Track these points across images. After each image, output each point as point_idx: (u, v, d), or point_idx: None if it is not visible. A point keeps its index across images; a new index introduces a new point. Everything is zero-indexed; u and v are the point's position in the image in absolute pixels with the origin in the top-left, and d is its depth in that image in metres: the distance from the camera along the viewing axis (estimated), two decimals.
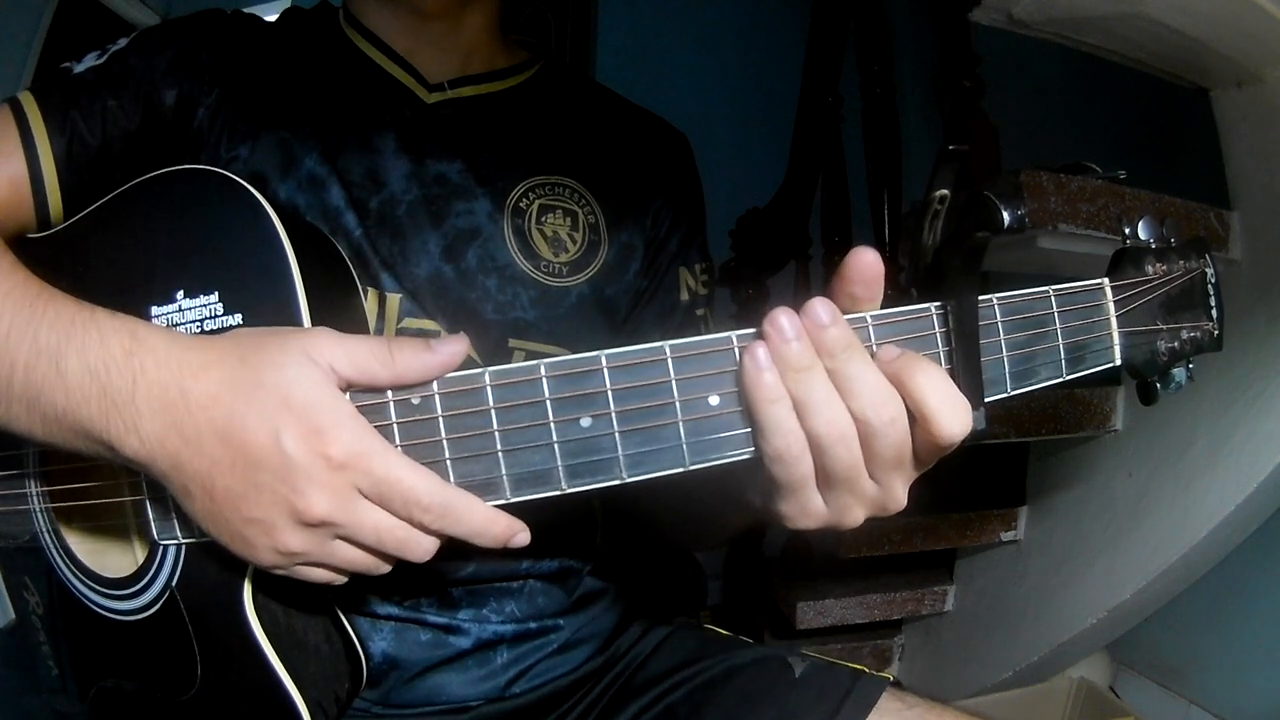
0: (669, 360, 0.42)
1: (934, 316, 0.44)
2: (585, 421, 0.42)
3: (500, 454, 0.42)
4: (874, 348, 0.43)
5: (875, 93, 1.72)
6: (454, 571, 0.65)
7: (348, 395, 0.43)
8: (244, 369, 0.42)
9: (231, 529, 0.43)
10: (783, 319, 0.39)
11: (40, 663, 0.61)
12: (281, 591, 0.50)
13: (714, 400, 0.42)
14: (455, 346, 0.43)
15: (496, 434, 0.42)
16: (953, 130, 1.43)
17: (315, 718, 0.50)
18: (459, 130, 0.68)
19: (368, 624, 0.63)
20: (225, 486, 0.41)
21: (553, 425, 0.42)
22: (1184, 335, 0.50)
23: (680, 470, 0.42)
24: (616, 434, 0.42)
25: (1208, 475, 1.15)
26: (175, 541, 0.50)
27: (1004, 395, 0.46)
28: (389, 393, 0.43)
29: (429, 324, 0.63)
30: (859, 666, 0.62)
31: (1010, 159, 1.46)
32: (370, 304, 0.61)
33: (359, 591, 0.62)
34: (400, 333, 0.62)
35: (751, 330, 0.42)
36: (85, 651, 0.58)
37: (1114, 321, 0.48)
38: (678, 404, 0.42)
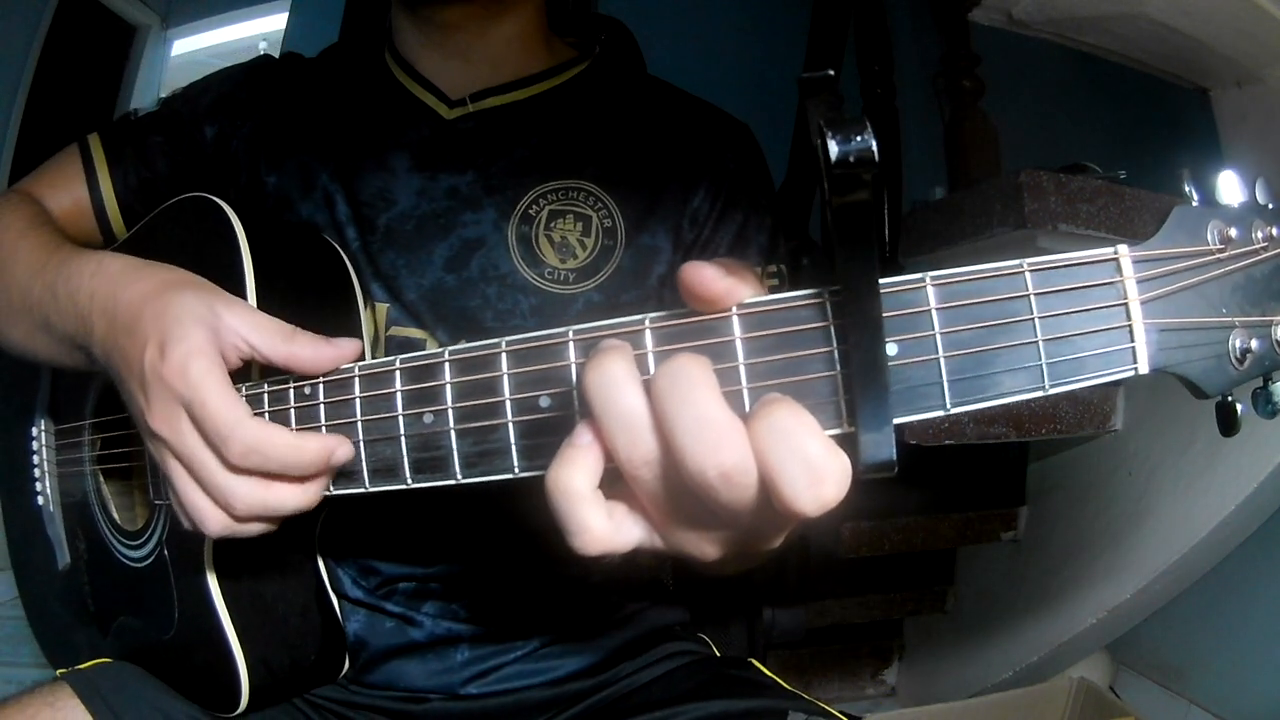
0: (503, 355, 0.39)
1: (827, 304, 0.34)
2: (427, 418, 0.41)
3: (361, 444, 0.43)
4: (739, 345, 0.35)
5: (875, 93, 1.73)
6: (425, 566, 0.66)
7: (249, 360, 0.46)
8: (163, 285, 0.47)
9: (133, 422, 0.48)
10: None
11: (84, 599, 0.71)
12: (257, 560, 0.56)
13: (544, 401, 0.38)
14: (350, 347, 0.45)
15: (359, 424, 0.43)
16: (953, 130, 1.43)
17: (255, 670, 0.55)
18: (476, 142, 0.68)
19: (348, 606, 0.66)
20: (124, 384, 0.47)
21: (400, 419, 0.42)
22: (1278, 334, 0.34)
23: (510, 476, 0.40)
24: (452, 431, 0.41)
25: (1208, 475, 1.15)
26: (165, 502, 0.54)
27: (940, 414, 0.33)
28: (290, 380, 0.46)
29: (416, 333, 0.64)
30: None
31: (1010, 159, 1.47)
32: (365, 315, 0.62)
33: (339, 574, 0.66)
34: (388, 340, 0.64)
35: (590, 325, 0.37)
36: (109, 591, 0.68)
37: (1136, 309, 0.33)
38: (508, 403, 0.39)
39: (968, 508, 1.49)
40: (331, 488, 0.46)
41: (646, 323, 0.36)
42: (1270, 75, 1.07)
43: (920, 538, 1.47)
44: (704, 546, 0.36)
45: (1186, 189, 0.36)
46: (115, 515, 0.67)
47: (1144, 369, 0.33)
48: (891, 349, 0.33)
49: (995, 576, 1.55)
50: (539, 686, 0.67)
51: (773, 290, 0.66)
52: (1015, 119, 1.54)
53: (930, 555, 1.59)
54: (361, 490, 0.44)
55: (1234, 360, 0.35)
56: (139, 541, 0.63)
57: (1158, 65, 1.15)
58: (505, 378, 0.39)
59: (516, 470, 0.39)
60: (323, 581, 0.61)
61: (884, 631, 1.71)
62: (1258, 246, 0.34)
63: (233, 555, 0.55)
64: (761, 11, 2.54)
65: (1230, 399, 0.36)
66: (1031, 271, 0.33)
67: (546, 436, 0.38)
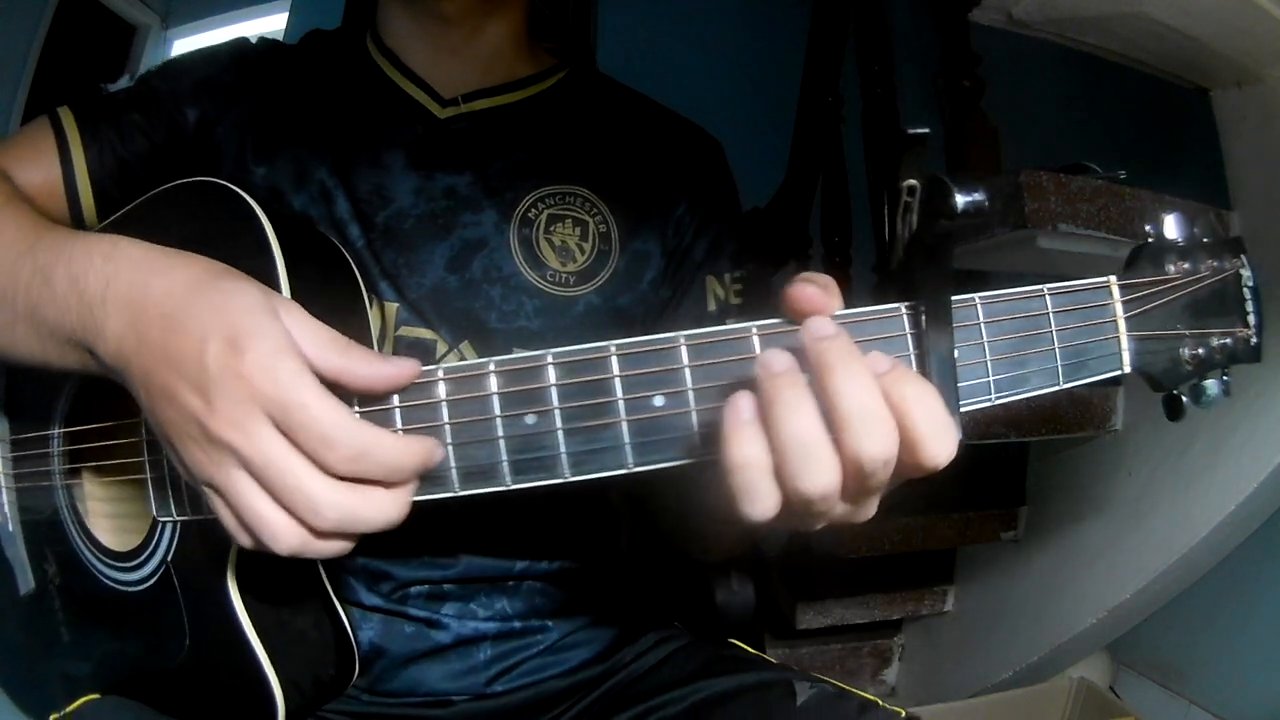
0: (613, 358, 0.41)
1: (904, 317, 0.42)
2: (530, 419, 0.42)
3: (450, 447, 0.42)
4: None
5: (875, 93, 1.72)
6: (443, 569, 0.65)
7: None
8: (208, 274, 0.42)
9: (161, 430, 0.42)
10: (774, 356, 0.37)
11: (55, 628, 0.65)
12: (270, 575, 0.53)
13: (659, 401, 0.41)
14: (409, 368, 0.42)
15: (447, 427, 0.42)
16: (953, 130, 1.43)
17: (289, 694, 0.52)
18: (471, 143, 0.68)
19: (359, 614, 0.64)
20: (159, 384, 0.41)
21: (499, 421, 0.42)
22: (1214, 342, 0.46)
23: (624, 471, 0.42)
24: (560, 431, 0.41)
25: (1208, 475, 1.15)
26: (171, 519, 0.53)
27: (987, 404, 0.43)
28: None
29: (425, 333, 0.64)
30: (872, 698, 0.58)
31: (1010, 159, 1.46)
32: (371, 313, 0.62)
33: (349, 581, 0.64)
34: (397, 340, 0.63)
35: (702, 330, 0.41)
36: (90, 618, 0.62)
37: (1122, 324, 0.45)
38: (621, 403, 0.41)
39: (968, 508, 1.49)
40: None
41: (754, 330, 0.41)
42: (1270, 75, 1.07)
43: (920, 538, 1.47)
44: (810, 521, 0.39)
45: (1146, 228, 0.47)
46: (96, 534, 0.61)
47: (1127, 369, 0.45)
48: (955, 353, 0.41)
49: (995, 576, 1.55)
50: (556, 677, 0.68)
51: (738, 293, 0.70)
52: (1015, 119, 1.54)
53: (930, 555, 1.59)
54: (450, 495, 0.43)
55: (1184, 362, 0.46)
56: (134, 562, 0.58)
57: (1158, 65, 1.15)
58: (617, 379, 0.41)
59: (631, 466, 0.42)
60: (327, 591, 0.58)
61: (884, 631, 1.71)
62: (1202, 275, 0.46)
63: (249, 573, 0.51)
64: (761, 11, 2.54)
65: (1177, 393, 0.47)
66: (1050, 294, 0.43)
67: (661, 434, 0.41)
